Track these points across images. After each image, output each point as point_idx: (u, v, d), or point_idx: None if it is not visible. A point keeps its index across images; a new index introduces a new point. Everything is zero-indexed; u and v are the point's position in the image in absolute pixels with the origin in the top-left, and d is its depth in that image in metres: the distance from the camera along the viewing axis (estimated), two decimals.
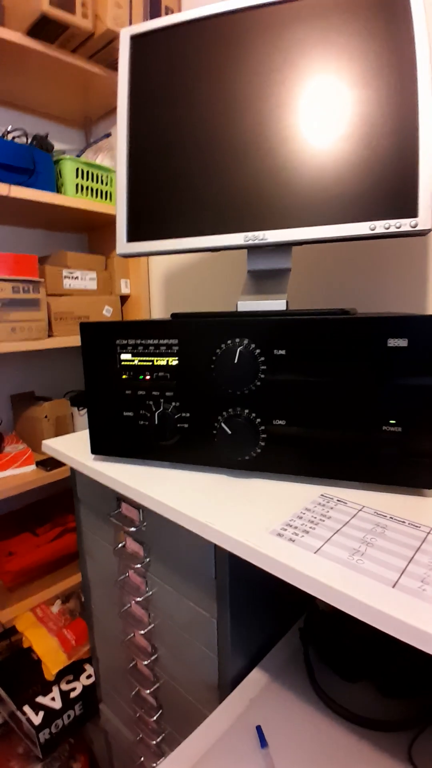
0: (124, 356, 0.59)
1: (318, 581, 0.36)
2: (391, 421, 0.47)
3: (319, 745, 0.51)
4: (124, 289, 1.40)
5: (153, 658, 0.71)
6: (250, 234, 0.64)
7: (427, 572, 0.36)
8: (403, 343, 0.45)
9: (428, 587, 0.34)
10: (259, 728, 0.53)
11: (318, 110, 0.60)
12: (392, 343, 0.45)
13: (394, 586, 0.34)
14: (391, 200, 0.56)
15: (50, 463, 1.23)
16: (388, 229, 0.56)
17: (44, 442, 0.74)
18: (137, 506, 0.65)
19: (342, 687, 0.58)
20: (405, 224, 0.55)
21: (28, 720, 1.07)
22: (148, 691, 0.75)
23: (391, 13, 0.58)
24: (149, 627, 0.70)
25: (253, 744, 0.52)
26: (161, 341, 0.57)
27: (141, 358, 0.58)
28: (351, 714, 0.54)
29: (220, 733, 0.53)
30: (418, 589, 0.34)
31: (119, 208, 0.72)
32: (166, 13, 1.23)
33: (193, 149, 0.68)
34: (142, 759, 0.84)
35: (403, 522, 0.44)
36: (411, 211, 0.55)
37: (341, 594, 0.35)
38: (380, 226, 0.57)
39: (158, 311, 1.42)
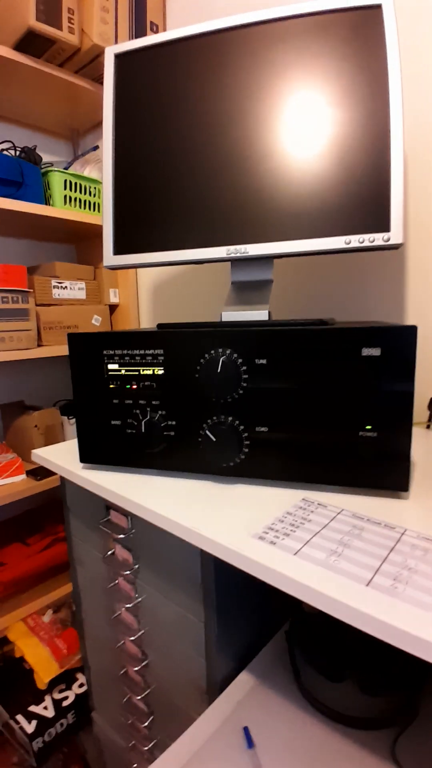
0: (111, 366, 0.61)
1: (296, 581, 0.38)
2: (367, 427, 0.49)
3: (305, 744, 0.52)
4: (113, 299, 1.42)
5: (143, 664, 0.72)
6: (232, 247, 0.66)
7: (400, 571, 0.38)
8: (376, 352, 0.47)
9: (400, 585, 0.36)
10: (246, 729, 0.54)
11: (296, 128, 0.63)
12: (366, 352, 0.47)
13: (368, 585, 0.36)
14: (365, 216, 0.59)
15: (40, 473, 1.24)
16: (362, 243, 0.58)
17: (34, 451, 0.75)
18: (125, 513, 0.67)
19: (327, 687, 0.59)
20: (378, 238, 0.58)
21: (21, 729, 1.07)
22: (139, 698, 0.76)
23: (365, 36, 0.60)
24: (139, 633, 0.71)
25: (241, 745, 0.53)
26: (147, 351, 0.58)
27: (128, 368, 0.60)
28: (336, 713, 0.55)
29: (208, 735, 0.54)
30: (390, 587, 0.36)
31: (105, 222, 0.74)
32: (152, 28, 1.25)
33: (176, 165, 0.70)
34: (135, 766, 0.85)
35: (380, 523, 0.46)
36: (384, 226, 0.58)
37: (317, 593, 0.36)
38: (355, 240, 0.59)
39: (147, 320, 1.44)
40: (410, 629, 0.32)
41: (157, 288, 1.38)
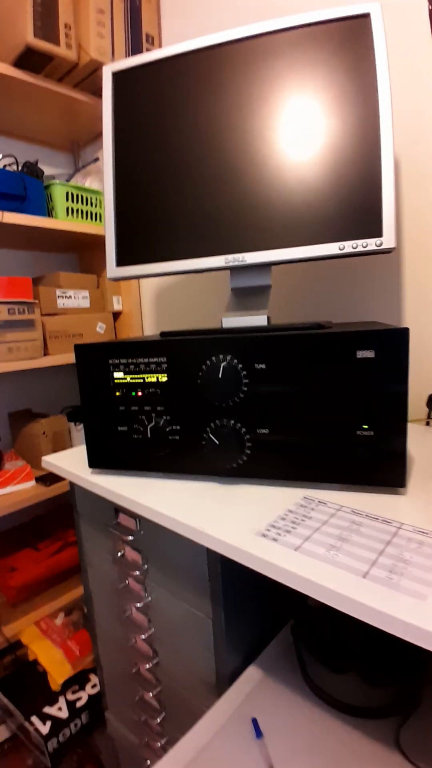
0: (116, 374, 0.63)
1: (297, 575, 0.40)
2: (364, 426, 0.51)
3: (311, 734, 0.54)
4: (117, 306, 1.45)
5: (154, 662, 0.74)
6: (230, 256, 0.68)
7: (395, 563, 0.40)
8: (370, 354, 0.49)
9: (395, 576, 0.38)
10: (254, 720, 0.56)
11: (290, 139, 0.65)
12: (360, 354, 0.50)
13: (364, 577, 0.38)
14: (358, 222, 0.61)
15: (49, 479, 1.26)
16: (355, 248, 0.61)
17: (44, 458, 0.77)
18: (134, 516, 0.69)
19: (332, 679, 0.61)
20: (371, 243, 0.60)
21: (36, 730, 1.10)
22: (150, 695, 0.78)
23: (355, 45, 0.63)
24: (150, 632, 0.73)
25: (250, 735, 0.55)
26: (151, 359, 0.61)
27: (132, 376, 0.62)
28: (341, 704, 0.57)
29: (218, 727, 0.56)
30: (386, 578, 0.38)
31: (108, 235, 0.77)
32: (147, 40, 1.28)
33: (175, 178, 0.72)
34: (149, 762, 0.87)
35: (377, 519, 0.48)
36: (376, 232, 0.60)
37: (317, 585, 0.38)
38: (348, 246, 0.61)
39: (150, 326, 1.46)
40: (405, 617, 0.34)
41: (159, 295, 1.41)
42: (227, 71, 0.70)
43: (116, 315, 1.48)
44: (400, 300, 0.88)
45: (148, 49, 1.28)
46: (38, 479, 1.27)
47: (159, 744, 0.80)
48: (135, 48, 1.26)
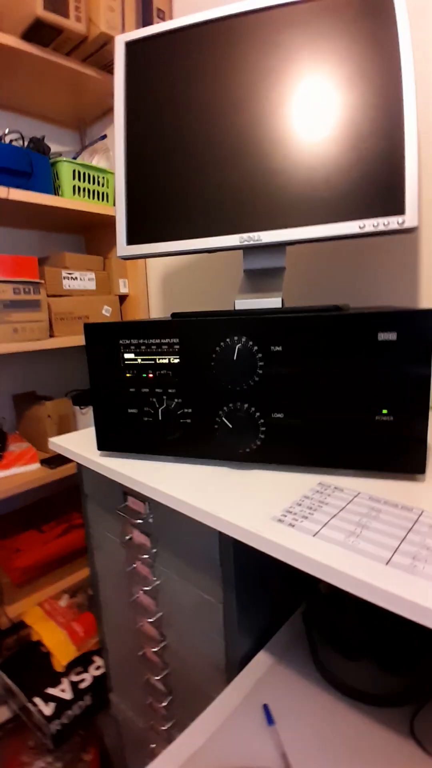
0: (127, 355, 0.61)
1: (317, 561, 0.39)
2: (383, 411, 0.50)
3: (324, 721, 0.54)
4: (123, 289, 1.43)
5: (162, 645, 0.74)
6: (245, 235, 0.66)
7: (419, 550, 0.39)
8: (392, 336, 0.48)
9: (419, 563, 0.37)
10: (266, 707, 0.56)
11: (307, 113, 0.63)
12: (382, 336, 0.48)
13: (387, 563, 0.37)
14: (379, 199, 0.59)
15: (54, 461, 1.25)
16: (376, 227, 0.59)
17: (51, 439, 0.76)
18: (143, 499, 0.68)
19: (344, 665, 0.61)
20: (392, 222, 0.58)
21: (39, 711, 1.10)
22: (157, 678, 0.78)
23: (376, 17, 0.60)
24: (157, 615, 0.73)
25: (261, 722, 0.54)
26: (163, 340, 0.59)
27: (144, 357, 0.61)
28: (354, 690, 0.56)
29: (228, 712, 0.56)
30: (410, 565, 0.37)
31: (119, 212, 0.75)
32: (158, 16, 1.24)
33: (188, 153, 0.70)
34: (154, 746, 0.87)
35: (396, 505, 0.47)
36: (398, 210, 0.58)
37: (339, 572, 0.37)
38: (369, 225, 0.59)
39: (156, 310, 1.45)
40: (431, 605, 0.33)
41: (166, 278, 1.38)
42: (242, 43, 0.67)
43: (122, 298, 1.46)
44: (417, 284, 0.86)
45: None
46: (43, 461, 1.26)
47: (164, 727, 0.80)
48: (146, 22, 1.22)
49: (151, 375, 0.61)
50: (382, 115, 0.59)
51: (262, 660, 0.62)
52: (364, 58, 0.60)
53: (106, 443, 0.66)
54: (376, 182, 0.59)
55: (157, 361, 0.60)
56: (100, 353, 0.63)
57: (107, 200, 1.32)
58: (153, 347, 0.60)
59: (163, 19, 1.26)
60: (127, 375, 0.62)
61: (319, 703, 0.56)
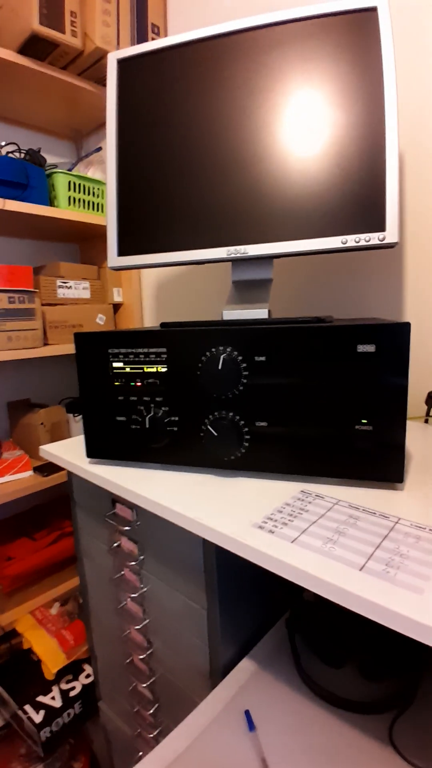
0: (116, 364, 0.63)
1: (293, 567, 0.40)
2: (363, 421, 0.51)
3: (304, 728, 0.54)
4: (117, 298, 1.44)
5: (148, 652, 0.74)
6: (232, 248, 0.68)
7: (392, 557, 0.40)
8: (371, 348, 0.49)
9: (392, 570, 0.38)
10: (247, 713, 0.56)
11: (294, 131, 0.65)
12: (361, 348, 0.49)
13: (361, 569, 0.38)
14: (361, 216, 0.60)
15: (47, 469, 1.26)
16: (358, 242, 0.60)
17: (42, 447, 0.77)
18: (131, 506, 0.69)
19: (326, 673, 0.61)
20: (374, 238, 0.60)
21: (29, 719, 1.10)
22: (144, 685, 0.78)
23: (361, 38, 0.62)
24: (144, 622, 0.73)
25: (242, 728, 0.55)
26: (151, 350, 0.60)
27: (132, 366, 0.62)
28: (335, 697, 0.57)
29: (211, 718, 0.56)
30: (383, 572, 0.38)
31: (109, 224, 0.76)
32: (153, 30, 1.27)
33: (178, 168, 0.72)
34: (141, 753, 0.87)
35: (374, 513, 0.48)
36: (379, 226, 0.59)
37: (313, 577, 0.38)
38: (351, 240, 0.61)
39: (150, 319, 1.46)
40: (401, 610, 0.34)
41: (160, 287, 1.40)
42: (233, 61, 0.69)
43: (116, 307, 1.47)
44: (401, 297, 0.88)
45: (153, 39, 1.27)
46: (36, 469, 1.27)
47: (151, 735, 0.80)
48: (140, 37, 1.25)
49: (139, 383, 0.62)
50: (366, 135, 0.61)
51: (245, 666, 0.63)
52: (349, 80, 0.62)
53: (95, 451, 0.67)
54: (359, 200, 0.61)
55: (145, 370, 0.61)
56: (89, 362, 0.64)
57: (102, 211, 1.34)
58: (141, 356, 0.61)
59: (158, 34, 1.28)
60: (116, 383, 0.63)
61: (300, 710, 0.57)
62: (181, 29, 1.26)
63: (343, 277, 0.96)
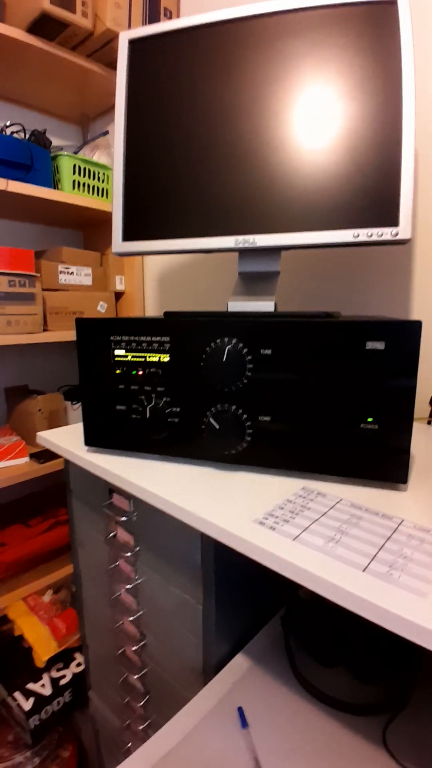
0: (117, 352, 0.61)
1: (294, 565, 0.39)
2: (369, 419, 0.50)
3: (297, 726, 0.54)
4: (119, 286, 1.42)
5: (141, 644, 0.74)
6: (240, 237, 0.66)
7: (396, 558, 0.39)
8: (380, 346, 0.48)
9: (395, 572, 0.37)
10: (240, 710, 0.56)
11: (307, 121, 0.63)
12: (370, 345, 0.48)
13: (364, 570, 0.37)
14: (374, 210, 0.59)
15: (43, 456, 1.25)
16: (370, 237, 0.59)
17: (39, 433, 0.76)
18: (128, 497, 0.68)
19: (320, 673, 0.61)
20: (386, 233, 0.58)
21: (19, 706, 1.10)
22: (135, 677, 0.78)
23: (379, 30, 0.60)
24: (138, 614, 0.72)
25: (235, 725, 0.54)
26: (154, 338, 0.59)
27: (134, 354, 0.61)
28: (328, 698, 0.56)
29: (203, 714, 0.56)
30: (386, 574, 0.37)
31: (115, 208, 0.75)
32: (165, 15, 1.25)
33: (187, 153, 0.70)
34: (129, 745, 0.87)
35: (377, 514, 0.47)
36: (392, 221, 0.58)
37: (315, 577, 0.37)
38: (363, 234, 0.59)
39: (152, 308, 1.45)
40: (404, 614, 0.33)
41: (163, 276, 1.38)
42: (246, 47, 0.67)
43: (118, 295, 1.46)
44: (409, 295, 0.86)
45: None
46: (32, 456, 1.26)
47: (141, 727, 0.80)
48: (152, 21, 1.22)
49: (140, 372, 0.61)
50: (381, 128, 0.59)
51: (238, 663, 0.62)
52: (366, 71, 0.61)
53: (94, 439, 0.66)
54: (372, 193, 0.59)
55: (148, 359, 0.60)
56: (90, 348, 0.63)
57: (107, 196, 1.32)
58: (144, 345, 0.60)
59: (170, 18, 1.26)
60: (117, 371, 0.62)
61: (293, 708, 0.56)
62: (193, 14, 1.23)
63: (349, 273, 0.94)
